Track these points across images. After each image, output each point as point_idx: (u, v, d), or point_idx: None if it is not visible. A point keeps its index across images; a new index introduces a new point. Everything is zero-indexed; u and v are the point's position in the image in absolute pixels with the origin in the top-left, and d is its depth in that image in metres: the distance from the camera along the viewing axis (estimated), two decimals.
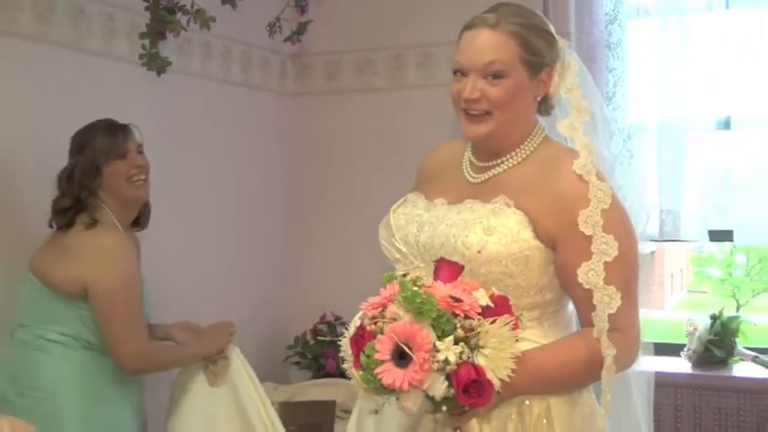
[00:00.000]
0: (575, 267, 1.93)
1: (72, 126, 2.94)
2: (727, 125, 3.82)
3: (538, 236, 1.97)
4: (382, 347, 1.69)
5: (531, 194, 2.00)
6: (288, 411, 3.56)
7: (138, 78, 3.22)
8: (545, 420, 1.99)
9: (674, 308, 12.88)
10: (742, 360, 3.88)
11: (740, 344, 3.91)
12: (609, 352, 1.91)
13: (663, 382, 3.83)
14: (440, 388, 1.69)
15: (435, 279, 1.82)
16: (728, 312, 4.03)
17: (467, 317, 1.71)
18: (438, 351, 1.67)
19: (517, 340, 1.79)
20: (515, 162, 2.08)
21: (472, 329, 1.71)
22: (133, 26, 3.31)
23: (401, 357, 1.68)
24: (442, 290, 1.75)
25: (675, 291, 14.09)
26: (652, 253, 12.48)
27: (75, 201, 2.78)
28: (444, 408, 1.73)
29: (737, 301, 12.08)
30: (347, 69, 4.43)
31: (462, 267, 1.86)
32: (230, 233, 4.09)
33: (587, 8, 3.95)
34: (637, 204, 3.88)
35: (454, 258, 1.92)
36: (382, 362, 1.69)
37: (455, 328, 1.70)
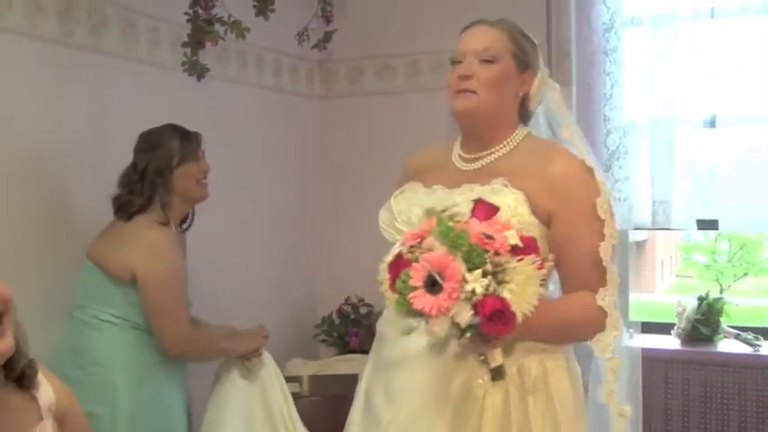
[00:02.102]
0: (579, 238, 1.99)
1: (122, 127, 2.96)
2: (712, 123, 3.80)
3: (534, 213, 2.01)
4: (416, 275, 1.68)
5: (527, 177, 2.04)
6: (315, 383, 3.59)
7: (180, 83, 3.23)
8: (542, 383, 2.03)
9: (663, 291, 12.85)
10: (726, 337, 3.88)
11: (724, 323, 3.91)
12: (616, 324, 2.01)
13: (654, 358, 3.85)
14: (466, 315, 1.68)
15: (471, 217, 1.80)
16: (714, 295, 4.03)
17: (496, 253, 1.70)
18: (467, 282, 1.66)
19: (543, 280, 1.78)
20: (505, 152, 2.13)
21: (500, 265, 1.70)
22: (176, 37, 3.32)
23: (433, 285, 1.67)
24: (476, 227, 1.74)
25: (665, 276, 14.06)
26: (644, 241, 12.47)
27: (146, 199, 2.79)
28: (468, 334, 1.72)
29: (721, 285, 12.05)
30: (368, 74, 4.43)
31: (498, 209, 1.85)
32: (264, 224, 4.10)
33: (586, 18, 3.94)
34: (631, 196, 3.92)
35: None
36: (415, 288, 1.68)
37: (484, 263, 1.68)
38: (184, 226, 3.02)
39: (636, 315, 4.55)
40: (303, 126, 4.44)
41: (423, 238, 1.74)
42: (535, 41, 2.21)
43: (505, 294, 1.68)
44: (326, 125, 4.51)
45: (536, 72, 2.17)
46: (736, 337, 3.84)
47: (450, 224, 1.71)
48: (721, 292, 10.80)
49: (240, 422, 2.91)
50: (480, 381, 2.00)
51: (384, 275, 1.79)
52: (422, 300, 1.67)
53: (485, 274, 1.68)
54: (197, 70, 3.09)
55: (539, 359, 2.04)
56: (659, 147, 3.86)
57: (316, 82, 4.54)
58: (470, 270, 1.67)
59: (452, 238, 1.68)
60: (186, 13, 3.05)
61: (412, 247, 1.73)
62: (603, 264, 1.99)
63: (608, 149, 3.95)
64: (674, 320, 3.99)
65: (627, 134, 3.94)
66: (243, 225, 3.94)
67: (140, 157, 2.83)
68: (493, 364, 1.87)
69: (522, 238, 1.75)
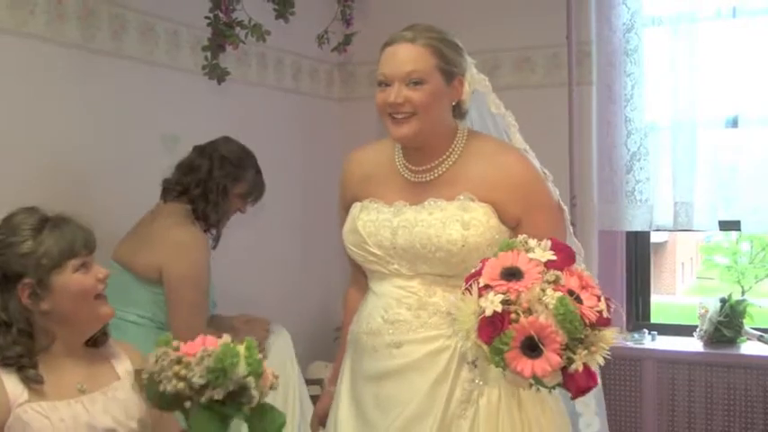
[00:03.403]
0: (546, 234, 1.93)
1: (143, 131, 2.97)
2: (734, 124, 3.78)
3: (503, 221, 2.07)
4: (517, 336, 1.63)
5: (490, 188, 2.08)
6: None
7: (201, 87, 3.24)
8: None
9: (684, 293, 12.76)
10: (749, 339, 3.86)
11: (747, 324, 3.89)
12: None
13: (677, 360, 3.83)
14: (557, 379, 1.65)
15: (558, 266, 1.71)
16: (736, 296, 4.00)
17: (592, 325, 1.65)
18: (570, 357, 1.62)
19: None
20: (454, 158, 2.14)
21: (591, 336, 1.66)
22: (196, 40, 3.34)
23: (530, 348, 1.62)
24: (574, 287, 1.68)
25: (686, 278, 13.96)
26: (664, 243, 12.40)
27: (199, 197, 2.86)
28: (551, 389, 1.70)
29: (742, 286, 11.94)
30: None
31: (573, 255, 1.78)
32: (283, 228, 4.11)
33: (606, 18, 3.93)
34: (652, 197, 3.89)
35: (440, 255, 2.04)
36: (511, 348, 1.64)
37: (582, 335, 1.64)
38: (212, 243, 3.04)
39: (657, 317, 4.55)
40: (323, 128, 4.45)
41: (517, 291, 1.66)
42: (457, 42, 2.16)
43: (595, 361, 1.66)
44: (346, 127, 4.51)
45: (464, 74, 2.14)
46: (760, 338, 3.81)
47: (572, 308, 1.63)
48: (743, 293, 10.72)
49: None
50: (476, 381, 2.05)
51: (468, 319, 1.70)
52: (520, 362, 1.63)
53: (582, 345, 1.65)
54: (217, 74, 3.10)
55: None
56: (680, 148, 3.84)
57: (336, 84, 4.54)
58: (571, 339, 1.63)
59: (569, 325, 1.63)
60: (206, 17, 3.05)
61: (507, 301, 1.65)
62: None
63: (629, 150, 3.93)
64: (697, 322, 3.96)
65: (648, 135, 3.92)
66: (262, 229, 3.94)
67: (220, 163, 2.91)
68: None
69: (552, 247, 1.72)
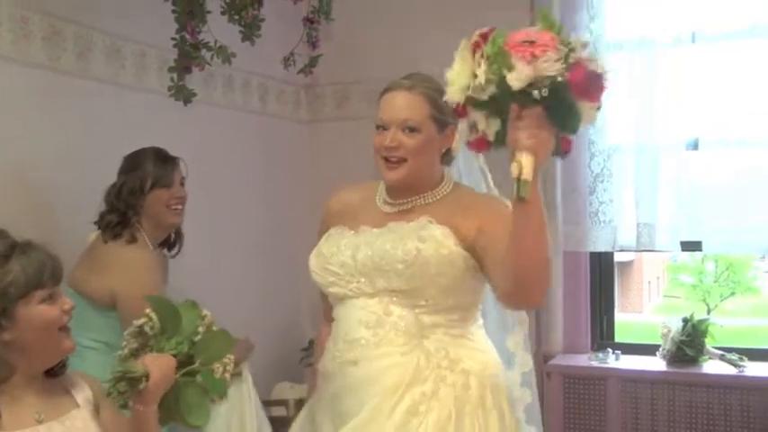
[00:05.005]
0: (497, 243, 1.99)
1: (108, 152, 2.97)
2: (695, 146, 3.85)
3: (459, 242, 2.14)
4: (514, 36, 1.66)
5: (449, 212, 2.19)
6: (302, 407, 3.57)
7: (167, 108, 3.25)
8: (480, 399, 2.16)
9: (651, 312, 12.86)
10: (710, 358, 3.90)
11: (709, 344, 3.93)
12: None
13: (640, 379, 3.87)
14: (556, 66, 1.64)
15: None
16: (700, 315, 4.06)
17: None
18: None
19: None
20: (432, 200, 2.26)
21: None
22: (163, 62, 3.35)
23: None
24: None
25: (653, 296, 14.08)
26: (631, 262, 12.50)
27: (121, 216, 2.81)
28: (545, 91, 1.65)
29: (708, 305, 12.07)
30: (355, 98, 4.47)
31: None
32: (250, 249, 4.11)
33: None
34: (616, 218, 3.95)
35: (396, 267, 2.13)
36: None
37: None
38: (173, 252, 3.04)
39: (622, 336, 4.60)
40: (290, 150, 4.46)
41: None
42: None
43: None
44: (313, 149, 4.54)
45: (456, 125, 2.18)
46: (721, 358, 3.86)
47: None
48: (708, 312, 10.83)
49: None
50: (426, 396, 2.11)
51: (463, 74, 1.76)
52: (520, 47, 1.63)
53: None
54: (184, 95, 3.11)
55: (478, 379, 2.17)
56: (643, 170, 3.90)
57: (302, 106, 4.57)
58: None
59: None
60: (173, 39, 3.07)
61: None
62: None
63: (592, 172, 3.99)
64: (660, 342, 4.00)
65: (611, 157, 3.98)
66: (229, 249, 3.94)
67: (120, 177, 2.88)
68: (522, 176, 1.72)
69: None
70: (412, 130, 2.19)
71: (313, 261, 2.32)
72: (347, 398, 2.17)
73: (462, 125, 2.07)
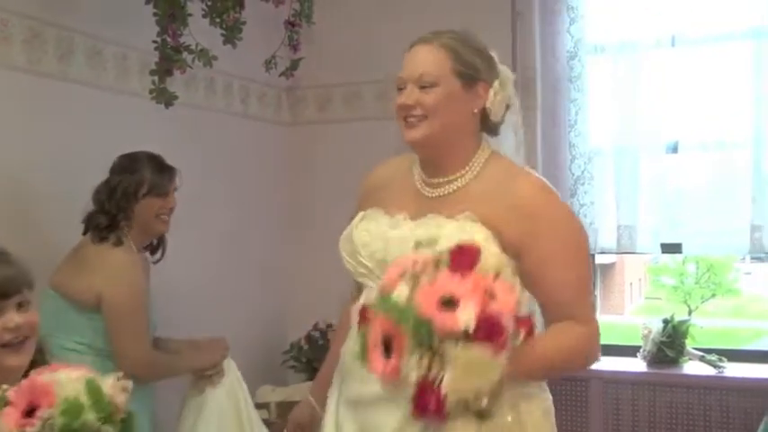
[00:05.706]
0: (552, 270, 1.89)
1: (90, 154, 2.97)
2: (675, 149, 3.89)
3: (504, 249, 1.86)
4: (374, 335, 1.53)
5: (492, 205, 1.94)
6: (285, 410, 3.57)
7: (149, 111, 3.23)
8: (517, 424, 1.94)
9: (632, 313, 12.94)
10: (690, 359, 3.93)
11: (689, 345, 3.96)
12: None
13: (621, 380, 3.90)
14: (408, 393, 1.52)
15: (452, 268, 1.56)
16: (680, 317, 4.09)
17: (445, 335, 1.47)
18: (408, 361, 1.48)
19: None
20: (469, 178, 2.03)
21: (442, 349, 1.48)
22: (144, 64, 3.34)
23: (387, 350, 1.50)
24: (444, 285, 1.51)
25: (634, 298, 14.16)
26: (612, 264, 12.56)
27: (111, 219, 2.80)
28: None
29: (689, 306, 12.16)
30: (336, 101, 4.48)
31: (479, 250, 1.61)
32: (231, 251, 4.11)
33: (551, 46, 4.01)
34: (596, 220, 3.98)
35: None
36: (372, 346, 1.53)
37: (431, 342, 1.47)
38: (156, 256, 3.04)
39: (604, 337, 4.59)
40: (271, 152, 4.46)
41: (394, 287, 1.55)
42: (481, 47, 2.05)
43: (446, 378, 1.47)
44: (295, 151, 4.54)
45: (491, 82, 2.02)
46: (701, 359, 3.89)
47: (394, 298, 1.50)
48: (689, 313, 10.91)
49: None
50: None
51: (355, 318, 1.65)
52: (376, 363, 1.52)
53: (432, 352, 1.48)
54: (165, 98, 3.10)
55: (510, 403, 1.90)
56: (623, 172, 3.94)
57: (284, 109, 4.57)
58: (418, 345, 1.48)
59: (398, 312, 1.49)
60: (154, 41, 3.06)
61: (382, 297, 1.55)
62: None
63: (573, 175, 4.01)
64: (641, 343, 4.03)
65: (592, 160, 4.01)
66: (210, 252, 3.94)
67: (114, 178, 2.85)
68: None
69: (481, 317, 1.50)
70: (429, 85, 1.96)
71: (344, 245, 2.12)
72: (372, 409, 2.00)
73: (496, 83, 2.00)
